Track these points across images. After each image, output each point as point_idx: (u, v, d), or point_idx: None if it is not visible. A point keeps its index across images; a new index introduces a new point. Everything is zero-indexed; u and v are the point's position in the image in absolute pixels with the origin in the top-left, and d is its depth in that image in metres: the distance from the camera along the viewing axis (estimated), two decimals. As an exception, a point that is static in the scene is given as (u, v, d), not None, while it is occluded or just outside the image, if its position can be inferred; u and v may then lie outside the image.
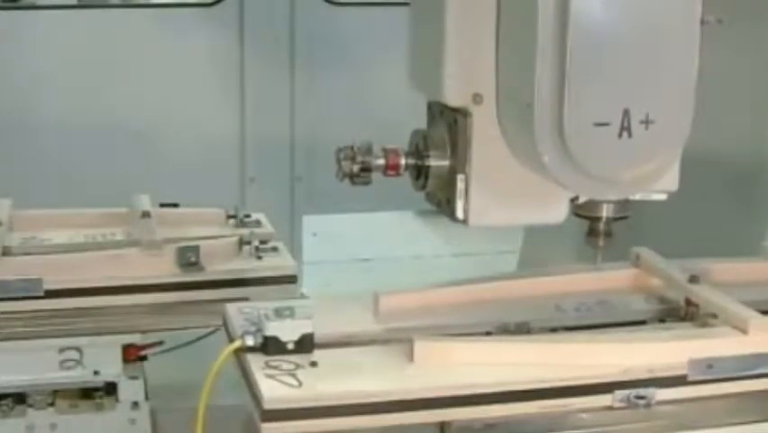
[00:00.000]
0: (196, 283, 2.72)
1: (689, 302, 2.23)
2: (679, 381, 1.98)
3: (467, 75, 1.97)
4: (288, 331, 1.96)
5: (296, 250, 4.60)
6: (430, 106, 2.15)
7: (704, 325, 2.17)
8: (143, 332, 2.75)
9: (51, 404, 2.75)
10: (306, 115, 5.02)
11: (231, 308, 2.17)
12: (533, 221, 2.14)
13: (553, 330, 2.18)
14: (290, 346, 1.96)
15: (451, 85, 1.99)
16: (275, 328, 1.96)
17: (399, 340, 2.03)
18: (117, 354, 2.75)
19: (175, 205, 3.13)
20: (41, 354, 2.69)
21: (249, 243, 2.86)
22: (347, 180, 2.13)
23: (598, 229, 2.15)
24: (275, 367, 1.91)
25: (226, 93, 4.97)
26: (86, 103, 4.81)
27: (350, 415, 1.85)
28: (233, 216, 3.09)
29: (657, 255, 2.43)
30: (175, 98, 4.92)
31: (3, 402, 2.73)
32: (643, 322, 2.25)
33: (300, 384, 1.87)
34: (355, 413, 1.85)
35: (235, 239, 2.87)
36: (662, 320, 2.26)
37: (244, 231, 2.95)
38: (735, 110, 4.61)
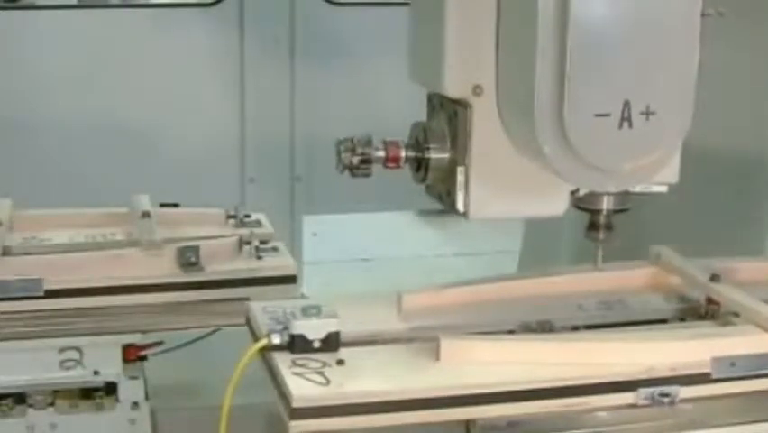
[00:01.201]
0: (196, 283, 2.72)
1: (710, 301, 2.24)
2: (702, 378, 1.99)
3: (467, 66, 1.97)
4: (314, 329, 1.97)
5: (296, 250, 4.60)
6: (430, 98, 2.16)
7: (726, 324, 2.18)
8: (143, 332, 2.75)
9: (51, 404, 2.74)
10: (306, 115, 5.02)
11: (255, 307, 2.17)
12: (533, 213, 2.14)
13: (575, 328, 2.19)
14: (317, 345, 1.96)
15: (451, 76, 1.99)
16: (302, 327, 1.97)
17: (424, 339, 2.04)
18: (117, 355, 2.74)
19: (175, 205, 3.13)
20: (41, 354, 2.68)
21: (249, 243, 2.86)
22: (347, 173, 2.12)
23: (598, 222, 2.14)
24: (302, 366, 1.92)
25: (226, 93, 4.97)
26: (87, 103, 4.81)
27: (376, 413, 1.86)
28: (233, 216, 3.08)
29: (677, 254, 2.44)
30: (175, 98, 4.93)
31: (3, 402, 2.73)
32: (664, 321, 2.26)
33: (328, 382, 1.87)
34: (381, 411, 1.86)
35: (235, 239, 2.86)
36: (682, 319, 2.27)
37: (244, 231, 2.95)
38: (735, 107, 4.61)
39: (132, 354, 2.78)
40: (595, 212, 2.13)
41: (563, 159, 1.83)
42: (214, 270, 2.75)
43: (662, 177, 2.02)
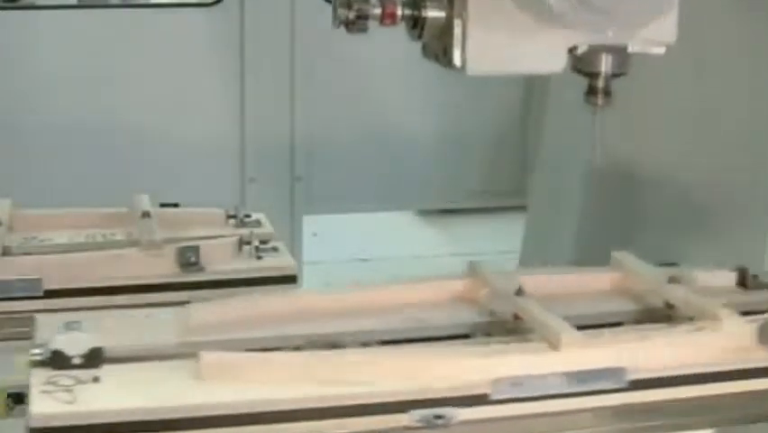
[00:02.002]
0: (196, 283, 2.72)
1: (516, 316, 2.16)
2: (481, 400, 1.88)
3: None
4: (74, 345, 1.90)
5: (296, 250, 4.60)
6: None
7: (524, 340, 2.07)
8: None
9: (51, 404, 2.74)
10: (306, 116, 5.02)
11: (40, 318, 2.11)
12: (531, 70, 2.11)
13: (365, 345, 2.08)
14: (77, 361, 1.89)
15: None
16: (61, 342, 1.90)
17: (190, 355, 1.94)
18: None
19: (175, 205, 3.13)
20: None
21: (249, 243, 2.86)
22: (342, 28, 2.09)
23: (596, 87, 2.12)
24: (53, 383, 1.85)
25: (226, 93, 4.97)
26: (87, 103, 4.81)
27: None
28: (233, 216, 3.08)
29: (491, 267, 2.37)
30: (175, 98, 4.93)
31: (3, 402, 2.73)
32: (467, 336, 2.17)
33: (74, 401, 1.79)
34: (127, 431, 1.77)
35: (235, 239, 2.86)
36: (488, 334, 2.17)
37: (244, 231, 2.94)
38: (735, 104, 4.60)
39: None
40: (594, 75, 2.10)
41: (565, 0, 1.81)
42: (214, 270, 2.75)
43: (659, 35, 2.00)
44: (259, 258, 2.83)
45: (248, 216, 3.09)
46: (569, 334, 1.99)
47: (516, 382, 1.90)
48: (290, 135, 5.02)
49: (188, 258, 2.73)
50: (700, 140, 4.67)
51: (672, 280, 2.33)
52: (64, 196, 3.28)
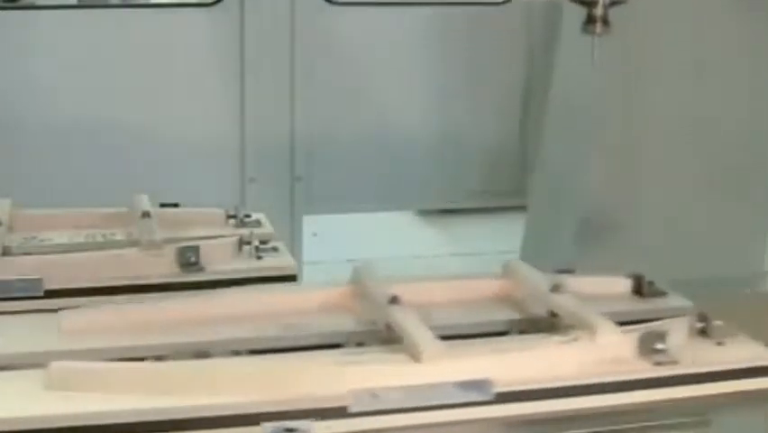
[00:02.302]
0: (196, 283, 2.72)
1: (388, 327, 2.12)
2: (340, 412, 1.83)
3: None
4: None
5: (296, 250, 4.60)
6: None
7: (393, 350, 2.01)
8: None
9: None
10: (306, 116, 5.02)
11: None
12: None
13: (237, 353, 2.05)
14: None
15: None
16: None
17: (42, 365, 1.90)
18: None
19: (175, 205, 3.13)
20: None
21: (249, 243, 2.86)
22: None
23: (595, 16, 2.12)
24: None
25: (226, 93, 4.97)
26: (86, 103, 4.81)
27: None
28: (233, 216, 3.09)
29: (374, 273, 2.35)
30: (175, 98, 4.93)
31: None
32: (338, 345, 2.13)
33: None
34: None
35: (235, 239, 2.86)
36: (359, 344, 2.13)
37: (244, 231, 2.95)
38: (735, 103, 4.60)
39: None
40: (592, 4, 2.11)
41: None
42: (214, 270, 2.75)
43: None
44: (259, 258, 2.83)
45: (248, 216, 3.10)
46: (431, 345, 1.94)
47: (374, 394, 1.85)
48: (290, 135, 5.02)
49: (188, 258, 2.73)
50: (700, 140, 4.67)
51: (555, 288, 2.27)
52: (64, 196, 3.28)
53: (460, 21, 5.18)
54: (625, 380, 1.99)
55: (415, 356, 1.93)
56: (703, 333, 2.15)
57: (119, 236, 2.97)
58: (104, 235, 2.98)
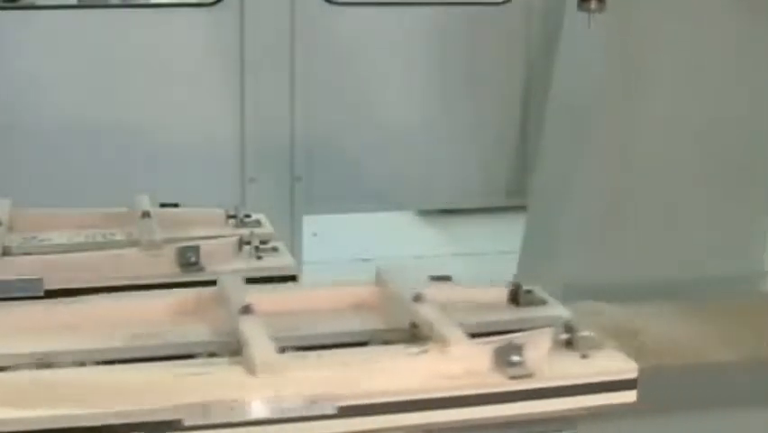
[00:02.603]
0: (196, 283, 2.71)
1: (237, 339, 2.07)
2: (173, 426, 1.79)
3: None
4: None
5: (296, 250, 4.60)
6: None
7: (238, 362, 1.95)
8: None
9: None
10: (306, 116, 5.02)
11: None
12: None
13: (82, 364, 1.99)
14: None
15: None
16: None
17: None
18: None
19: (175, 205, 3.13)
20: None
21: (249, 243, 2.86)
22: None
23: None
24: None
25: (226, 93, 4.97)
26: (87, 103, 4.81)
27: None
28: (233, 216, 3.08)
29: (233, 281, 2.33)
30: (175, 98, 4.93)
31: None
32: (190, 356, 2.06)
33: None
34: None
35: (235, 239, 2.86)
36: (213, 354, 2.06)
37: (244, 231, 2.94)
38: (735, 103, 4.60)
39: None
40: None
41: None
42: (214, 270, 2.74)
43: None
44: (259, 258, 2.83)
45: (248, 216, 3.09)
46: (268, 358, 1.89)
47: (206, 408, 1.80)
48: (290, 135, 5.02)
49: (188, 258, 2.73)
50: (700, 140, 4.68)
51: (417, 298, 2.21)
52: (64, 196, 3.28)
53: (460, 21, 5.18)
54: (475, 393, 1.92)
55: (250, 369, 1.88)
56: (569, 344, 2.06)
57: (119, 236, 2.97)
58: (104, 235, 2.97)
